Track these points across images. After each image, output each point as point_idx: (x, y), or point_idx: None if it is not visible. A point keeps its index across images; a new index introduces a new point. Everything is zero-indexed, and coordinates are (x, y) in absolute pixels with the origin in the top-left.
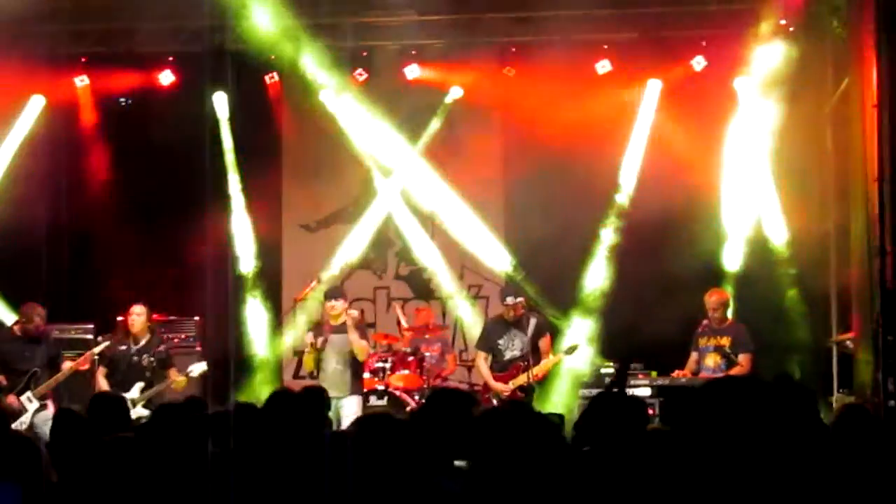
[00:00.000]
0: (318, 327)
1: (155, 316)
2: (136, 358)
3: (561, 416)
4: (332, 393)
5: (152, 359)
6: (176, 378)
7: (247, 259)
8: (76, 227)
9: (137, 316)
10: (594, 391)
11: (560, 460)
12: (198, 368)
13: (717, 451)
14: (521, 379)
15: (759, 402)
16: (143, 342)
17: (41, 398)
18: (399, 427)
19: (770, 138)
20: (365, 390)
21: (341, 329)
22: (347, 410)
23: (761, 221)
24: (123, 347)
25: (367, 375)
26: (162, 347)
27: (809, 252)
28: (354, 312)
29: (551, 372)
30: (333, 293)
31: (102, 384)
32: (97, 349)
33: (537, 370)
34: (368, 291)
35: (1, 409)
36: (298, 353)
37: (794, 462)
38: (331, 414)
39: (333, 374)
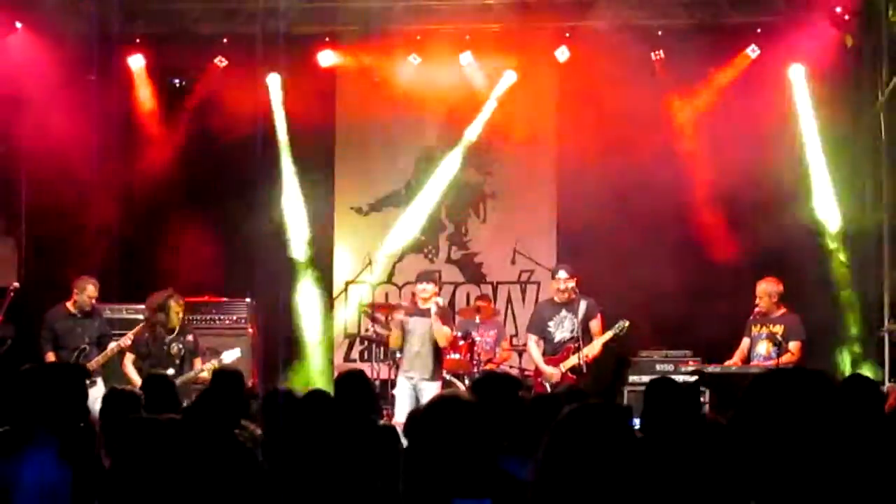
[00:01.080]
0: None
1: (205, 297)
2: (166, 348)
3: (629, 408)
4: (412, 373)
5: (181, 347)
6: (202, 367)
7: (299, 241)
8: (128, 208)
9: (172, 304)
10: (643, 378)
11: (632, 451)
12: (230, 355)
13: (777, 444)
14: (572, 361)
15: (822, 397)
16: (175, 330)
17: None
18: (468, 409)
19: (824, 128)
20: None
21: (427, 313)
22: (427, 394)
23: (814, 211)
24: (151, 335)
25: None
26: (190, 337)
27: (863, 241)
28: (441, 300)
29: (602, 356)
30: (426, 276)
31: (131, 373)
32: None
33: (587, 351)
34: None
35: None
36: (350, 337)
37: (857, 458)
38: (409, 394)
39: (417, 357)
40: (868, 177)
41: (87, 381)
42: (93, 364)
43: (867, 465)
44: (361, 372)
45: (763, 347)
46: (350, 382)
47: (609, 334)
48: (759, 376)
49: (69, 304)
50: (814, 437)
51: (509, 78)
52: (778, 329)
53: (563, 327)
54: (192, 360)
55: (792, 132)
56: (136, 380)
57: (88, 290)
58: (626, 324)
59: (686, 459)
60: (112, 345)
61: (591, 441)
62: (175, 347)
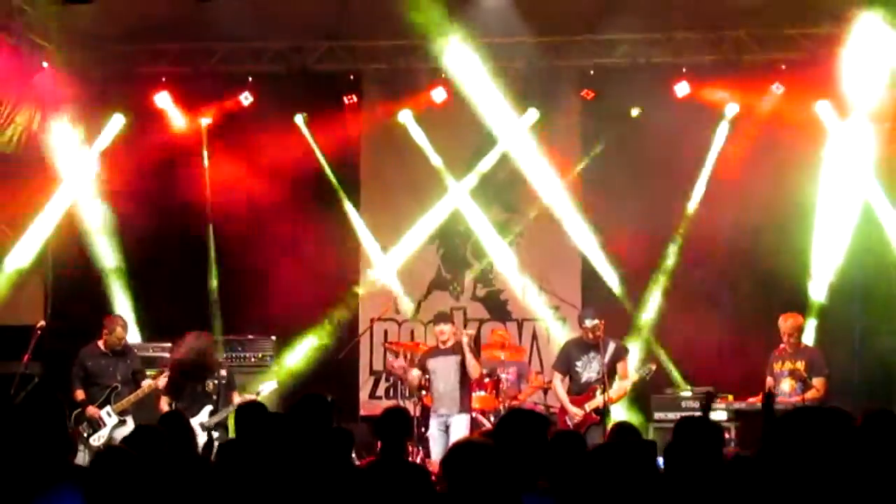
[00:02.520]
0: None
1: (232, 336)
2: (200, 385)
3: (653, 443)
4: (442, 410)
5: (216, 382)
6: (239, 401)
7: (323, 278)
8: (156, 246)
9: (202, 344)
10: (669, 415)
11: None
12: (267, 387)
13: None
14: (597, 402)
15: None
16: (205, 368)
17: (121, 413)
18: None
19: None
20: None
21: (449, 351)
22: (456, 427)
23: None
24: (184, 373)
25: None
26: (223, 372)
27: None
28: (471, 331)
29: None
30: (442, 318)
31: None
32: None
33: (613, 393)
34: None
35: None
36: (375, 374)
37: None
38: (440, 433)
39: (444, 394)
40: None
41: (112, 419)
42: (123, 404)
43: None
44: (404, 410)
45: (787, 385)
46: (391, 420)
47: (635, 377)
48: (785, 415)
49: (100, 343)
50: (837, 474)
51: (533, 115)
52: (800, 365)
53: (590, 368)
54: (229, 394)
55: (817, 168)
56: None
57: (117, 332)
58: (653, 367)
59: (712, 497)
60: (144, 383)
61: (616, 476)
62: (210, 384)
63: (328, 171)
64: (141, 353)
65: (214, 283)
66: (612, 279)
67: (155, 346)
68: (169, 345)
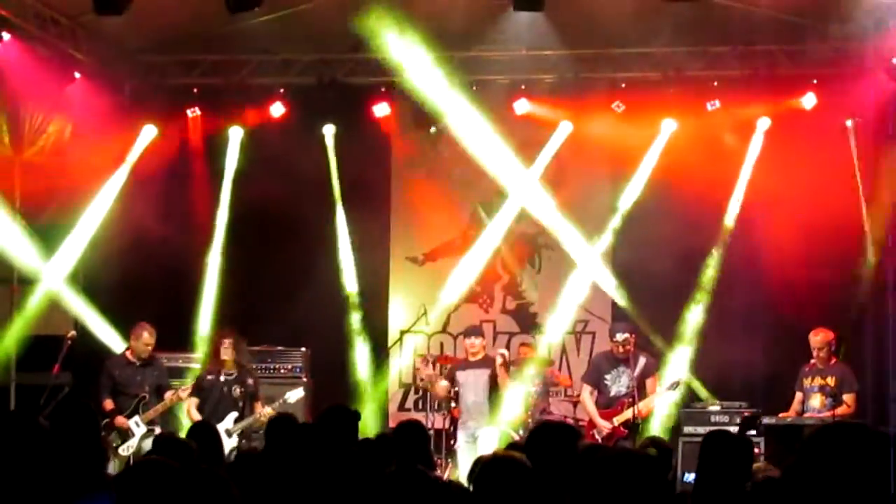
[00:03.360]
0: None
1: (262, 346)
2: (226, 389)
3: (669, 449)
4: (471, 423)
5: (243, 389)
6: (263, 410)
7: (353, 290)
8: (185, 257)
9: (229, 346)
10: (699, 429)
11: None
12: (294, 395)
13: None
14: (626, 416)
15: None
16: (234, 373)
17: (149, 423)
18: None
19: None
20: None
21: (479, 364)
22: (484, 440)
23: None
24: (212, 377)
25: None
26: (250, 380)
27: None
28: (505, 352)
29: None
30: (473, 331)
31: (195, 415)
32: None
33: (642, 406)
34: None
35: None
36: (405, 386)
37: None
38: (468, 446)
39: (473, 407)
40: None
41: (141, 429)
42: (150, 414)
43: None
44: (419, 423)
45: (817, 401)
46: (407, 433)
47: (662, 391)
48: (820, 430)
49: (128, 353)
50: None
51: (565, 128)
52: (830, 381)
53: (619, 382)
54: (253, 403)
55: (852, 183)
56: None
57: (144, 338)
58: (680, 381)
59: None
60: (168, 394)
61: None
62: (237, 391)
63: (358, 182)
64: (170, 364)
65: (241, 292)
66: (643, 293)
67: (182, 356)
68: (198, 355)
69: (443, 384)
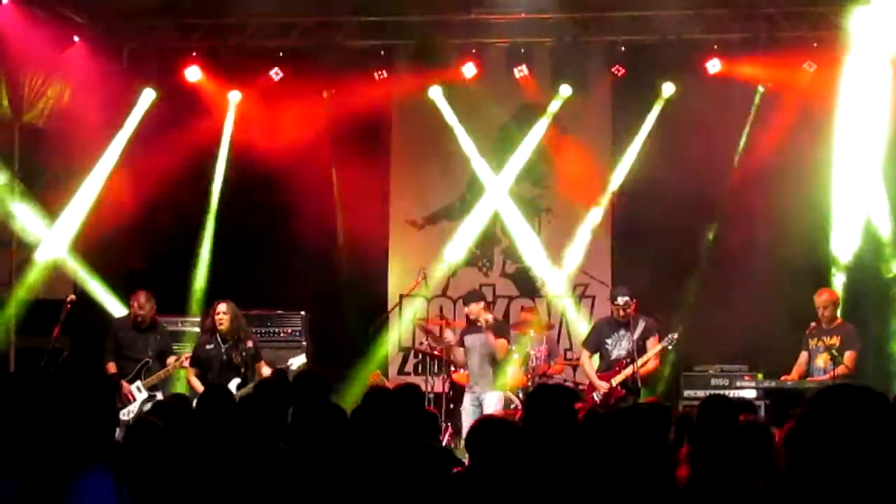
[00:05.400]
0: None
1: (261, 310)
2: (225, 357)
3: (668, 408)
4: (476, 388)
5: (243, 354)
6: (266, 373)
7: (353, 255)
8: (184, 221)
9: (224, 314)
10: (699, 392)
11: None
12: (297, 361)
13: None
14: (625, 373)
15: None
16: (231, 340)
17: (150, 389)
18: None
19: (881, 138)
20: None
21: (481, 328)
22: (488, 404)
23: (870, 220)
24: (211, 346)
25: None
26: (250, 343)
27: None
28: (489, 316)
29: (655, 374)
30: (470, 298)
31: (197, 385)
32: None
33: (640, 362)
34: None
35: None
36: (404, 350)
37: None
38: (472, 409)
39: (477, 370)
40: None
41: (142, 395)
42: (152, 380)
43: None
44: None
45: (822, 361)
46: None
47: (659, 347)
48: (820, 392)
49: (133, 317)
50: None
51: (564, 91)
52: (835, 341)
53: (620, 346)
54: (256, 365)
55: (847, 143)
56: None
57: (142, 302)
58: (675, 336)
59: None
60: (170, 360)
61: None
62: (237, 356)
63: (357, 146)
64: (171, 328)
65: (241, 256)
66: (644, 255)
67: (185, 319)
68: (199, 319)
69: (460, 349)
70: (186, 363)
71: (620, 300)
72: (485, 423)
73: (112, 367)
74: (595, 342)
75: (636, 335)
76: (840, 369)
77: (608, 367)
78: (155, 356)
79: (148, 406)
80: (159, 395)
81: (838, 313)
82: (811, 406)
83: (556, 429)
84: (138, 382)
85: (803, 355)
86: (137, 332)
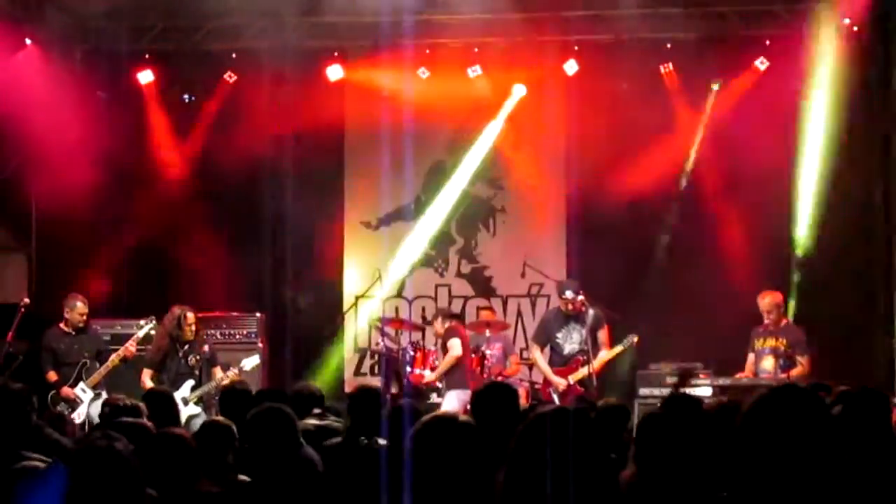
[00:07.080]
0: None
1: (216, 313)
2: (183, 361)
3: (624, 408)
4: (440, 386)
5: (198, 357)
6: (221, 376)
7: (308, 256)
8: (136, 224)
9: (194, 324)
10: (654, 391)
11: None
12: (250, 363)
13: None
14: (581, 373)
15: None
16: (188, 343)
17: (94, 388)
18: (457, 428)
19: (829, 138)
20: (426, 388)
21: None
22: (447, 404)
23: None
24: (171, 351)
25: (428, 373)
26: (206, 347)
27: (866, 251)
28: (438, 326)
29: (613, 363)
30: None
31: (149, 385)
32: (141, 332)
33: (596, 363)
34: (430, 289)
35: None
36: (360, 351)
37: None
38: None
39: (446, 371)
40: (876, 191)
41: (87, 394)
42: (95, 378)
43: (871, 479)
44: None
45: (769, 363)
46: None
47: (618, 348)
48: (762, 397)
49: (62, 324)
50: (815, 456)
51: (518, 92)
52: (781, 342)
53: (571, 339)
54: (211, 370)
55: (801, 141)
56: None
57: (78, 307)
58: (635, 339)
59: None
60: (112, 356)
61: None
62: (193, 359)
63: (310, 146)
64: (106, 330)
65: (195, 259)
66: (599, 254)
67: (122, 322)
68: (139, 321)
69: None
70: (132, 351)
71: (568, 294)
72: (428, 422)
73: (53, 376)
74: (544, 336)
75: (587, 326)
76: (797, 371)
77: (563, 363)
78: (93, 356)
79: (97, 405)
80: (104, 394)
81: (790, 313)
82: (756, 406)
83: (499, 425)
84: (81, 384)
85: (750, 357)
86: (72, 337)
